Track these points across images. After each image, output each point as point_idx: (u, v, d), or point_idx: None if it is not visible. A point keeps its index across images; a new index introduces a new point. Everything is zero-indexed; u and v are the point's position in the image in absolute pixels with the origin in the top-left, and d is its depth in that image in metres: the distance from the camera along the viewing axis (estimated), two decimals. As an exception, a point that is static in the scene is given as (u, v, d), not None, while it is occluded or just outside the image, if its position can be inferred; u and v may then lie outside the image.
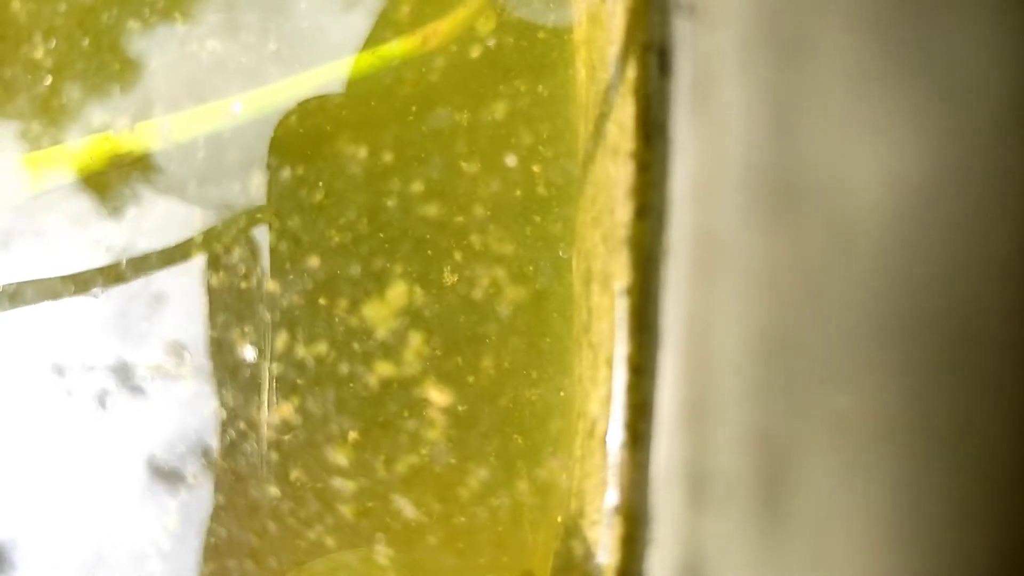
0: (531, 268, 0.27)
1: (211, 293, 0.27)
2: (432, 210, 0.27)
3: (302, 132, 0.27)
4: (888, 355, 0.19)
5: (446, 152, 0.27)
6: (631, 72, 0.24)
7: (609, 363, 0.28)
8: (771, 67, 0.20)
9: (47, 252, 0.28)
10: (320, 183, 0.27)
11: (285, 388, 0.27)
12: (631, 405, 0.28)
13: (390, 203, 0.27)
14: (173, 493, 0.27)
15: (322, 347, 0.27)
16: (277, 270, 0.27)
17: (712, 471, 0.24)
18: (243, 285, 0.27)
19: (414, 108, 0.27)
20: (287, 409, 0.27)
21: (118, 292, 0.27)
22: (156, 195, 0.27)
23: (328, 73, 0.27)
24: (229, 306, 0.27)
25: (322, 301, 0.27)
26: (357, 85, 0.27)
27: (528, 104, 0.27)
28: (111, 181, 0.28)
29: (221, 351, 0.27)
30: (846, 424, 0.20)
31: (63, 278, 0.27)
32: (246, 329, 0.27)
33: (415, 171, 0.27)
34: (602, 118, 0.26)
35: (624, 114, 0.26)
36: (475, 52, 0.27)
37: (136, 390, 0.27)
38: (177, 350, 0.26)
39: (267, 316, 0.27)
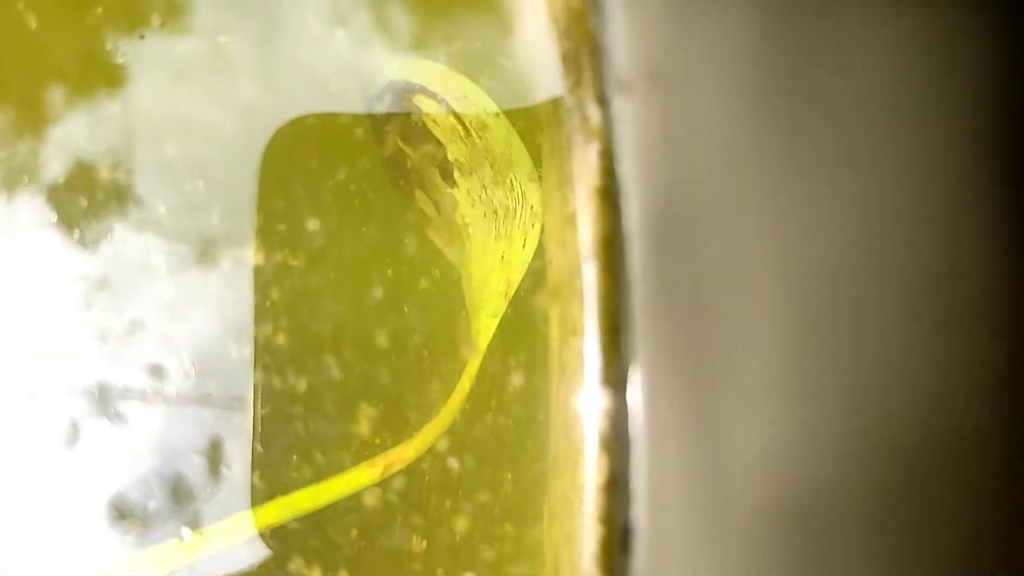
0: None
1: None
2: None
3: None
4: None
5: (401, 572, 0.26)
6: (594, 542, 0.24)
7: None
8: None
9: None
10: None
11: None
12: None
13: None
14: None
15: None
16: None
17: None
18: None
19: (369, 532, 0.26)
20: None
21: None
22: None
23: (284, 508, 0.26)
24: None
25: None
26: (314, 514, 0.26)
27: (487, 523, 0.27)
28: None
29: None
30: None
31: None
32: None
33: (367, 595, 0.26)
34: None
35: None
36: (434, 473, 0.26)
37: None
38: None
39: None
